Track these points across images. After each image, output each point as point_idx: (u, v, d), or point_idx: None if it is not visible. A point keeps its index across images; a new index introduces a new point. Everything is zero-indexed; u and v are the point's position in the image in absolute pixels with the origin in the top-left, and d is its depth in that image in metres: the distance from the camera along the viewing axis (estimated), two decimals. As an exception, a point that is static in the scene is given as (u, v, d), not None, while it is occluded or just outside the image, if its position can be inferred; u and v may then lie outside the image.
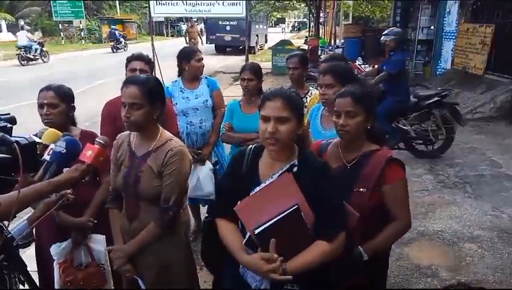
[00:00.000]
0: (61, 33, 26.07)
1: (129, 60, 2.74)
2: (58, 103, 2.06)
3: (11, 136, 1.20)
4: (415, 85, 8.55)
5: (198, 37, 16.20)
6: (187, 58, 3.21)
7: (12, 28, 26.39)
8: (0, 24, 25.61)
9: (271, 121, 1.45)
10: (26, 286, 1.67)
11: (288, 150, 1.54)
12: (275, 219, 1.37)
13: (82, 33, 27.18)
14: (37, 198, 1.57)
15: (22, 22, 26.63)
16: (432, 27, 10.55)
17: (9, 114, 1.25)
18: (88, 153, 1.70)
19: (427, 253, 3.36)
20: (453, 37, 9.50)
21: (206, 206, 3.36)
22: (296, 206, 1.38)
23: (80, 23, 26.65)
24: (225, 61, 17.01)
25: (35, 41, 16.80)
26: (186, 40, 15.93)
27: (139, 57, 2.74)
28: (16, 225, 1.76)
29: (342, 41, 12.49)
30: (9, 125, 1.20)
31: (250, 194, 1.50)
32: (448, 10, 9.84)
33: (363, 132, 1.80)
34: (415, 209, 4.01)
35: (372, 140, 1.83)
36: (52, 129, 1.73)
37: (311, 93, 3.00)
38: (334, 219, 1.48)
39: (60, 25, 25.91)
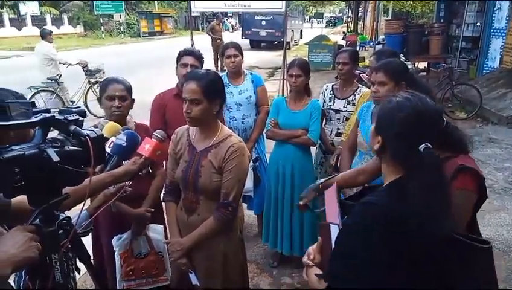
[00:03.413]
0: (102, 27, 26.89)
1: (181, 54, 2.72)
2: (127, 96, 2.13)
3: (81, 128, 1.22)
4: (460, 84, 8.20)
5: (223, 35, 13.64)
6: (222, 54, 3.32)
7: (56, 22, 27.46)
8: (46, 18, 26.71)
9: None
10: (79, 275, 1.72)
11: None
12: (324, 221, 1.39)
13: (121, 27, 27.91)
14: (101, 189, 1.62)
15: (65, 16, 27.76)
16: (479, 23, 10.06)
17: (79, 107, 1.28)
18: (146, 147, 1.74)
19: (475, 261, 3.21)
20: (503, 34, 9.02)
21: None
22: (331, 224, 1.31)
23: (120, 17, 27.38)
24: (260, 57, 16.92)
25: None
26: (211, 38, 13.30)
27: (190, 52, 2.71)
28: (75, 214, 1.82)
29: (383, 37, 12.12)
30: (80, 118, 1.22)
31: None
32: (498, 6, 9.36)
33: None
34: (462, 214, 3.83)
35: (447, 148, 1.51)
36: (113, 122, 1.78)
37: (360, 91, 2.92)
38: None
39: (101, 19, 26.74)
